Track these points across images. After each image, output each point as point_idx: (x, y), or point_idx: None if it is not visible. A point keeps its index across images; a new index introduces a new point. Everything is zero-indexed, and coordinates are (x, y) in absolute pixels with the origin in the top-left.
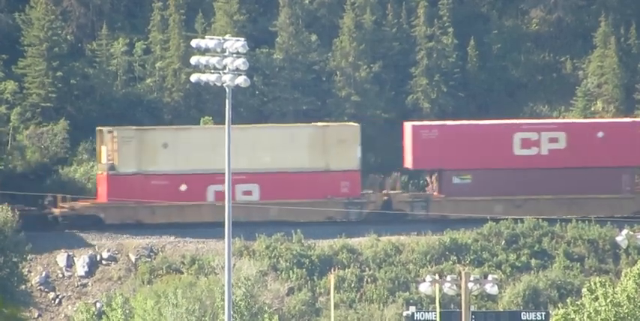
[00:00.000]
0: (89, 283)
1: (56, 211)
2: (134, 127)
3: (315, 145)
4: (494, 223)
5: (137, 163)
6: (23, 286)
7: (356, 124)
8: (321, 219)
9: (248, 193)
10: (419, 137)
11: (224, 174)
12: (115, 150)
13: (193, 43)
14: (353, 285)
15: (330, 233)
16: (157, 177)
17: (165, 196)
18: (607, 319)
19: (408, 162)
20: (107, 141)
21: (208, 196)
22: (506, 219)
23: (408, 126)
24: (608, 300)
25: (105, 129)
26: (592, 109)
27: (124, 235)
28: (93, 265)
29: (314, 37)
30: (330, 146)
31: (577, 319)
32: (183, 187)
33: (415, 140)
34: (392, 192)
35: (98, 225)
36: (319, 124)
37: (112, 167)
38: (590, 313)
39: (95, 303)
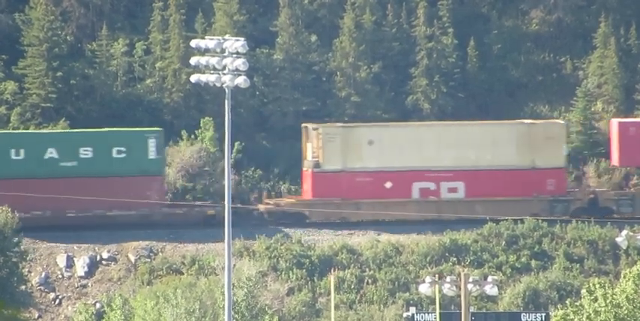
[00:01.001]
0: (89, 284)
1: (262, 207)
2: (339, 124)
3: (521, 143)
4: (494, 224)
5: (342, 160)
6: (23, 287)
7: (562, 122)
8: (526, 215)
9: (453, 190)
10: (625, 134)
11: (429, 171)
12: (319, 147)
13: (193, 43)
14: (353, 286)
15: (329, 233)
16: (362, 174)
17: (370, 193)
18: (607, 320)
19: (615, 159)
20: (312, 138)
21: (413, 193)
22: (506, 220)
23: (614, 123)
24: (607, 301)
25: (310, 126)
26: (592, 109)
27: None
28: (93, 265)
29: (314, 38)
30: (536, 144)
31: (576, 320)
32: (388, 185)
33: (621, 137)
34: (598, 190)
35: (300, 222)
36: (526, 121)
37: (316, 164)
38: (590, 314)
39: (95, 303)
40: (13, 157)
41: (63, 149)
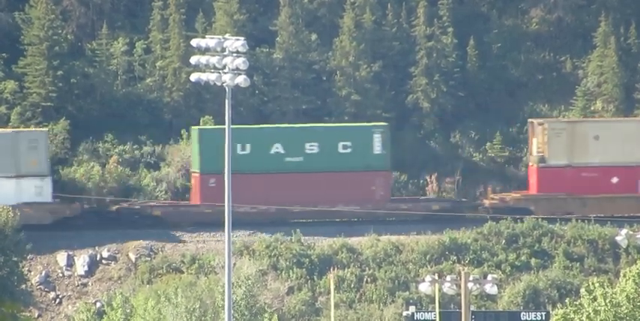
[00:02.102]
0: (89, 283)
1: (486, 202)
2: (565, 120)
3: None
4: (494, 223)
5: (567, 155)
6: (23, 286)
7: None
8: None
9: None
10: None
11: None
12: (545, 142)
13: (193, 42)
14: (353, 285)
15: (329, 233)
16: (588, 169)
17: (595, 188)
18: (606, 320)
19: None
20: (538, 133)
21: (639, 188)
22: (506, 218)
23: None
24: (607, 300)
25: (536, 121)
26: (592, 108)
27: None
28: (93, 264)
29: (314, 37)
30: None
31: (576, 319)
32: (614, 180)
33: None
34: None
35: (525, 216)
36: None
37: (542, 159)
38: (590, 313)
39: (95, 302)
40: (239, 151)
41: (289, 144)
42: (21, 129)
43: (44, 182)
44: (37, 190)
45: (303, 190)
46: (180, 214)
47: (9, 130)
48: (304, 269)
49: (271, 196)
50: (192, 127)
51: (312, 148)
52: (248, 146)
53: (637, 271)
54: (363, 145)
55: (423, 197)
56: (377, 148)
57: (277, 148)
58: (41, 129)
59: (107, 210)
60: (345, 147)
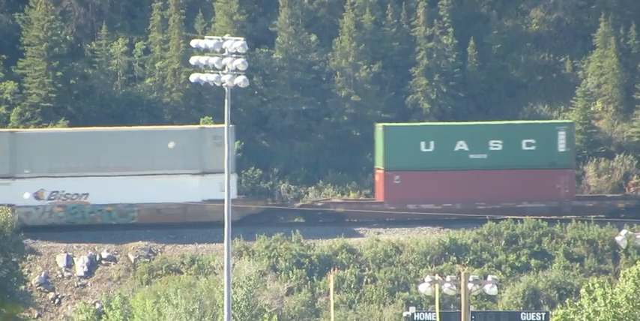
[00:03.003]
0: (88, 284)
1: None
2: None
3: None
4: (494, 224)
5: None
6: (23, 287)
7: None
8: None
9: None
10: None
11: None
12: None
13: (193, 43)
14: (352, 285)
15: (329, 233)
16: None
17: None
18: (606, 320)
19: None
20: None
21: None
22: (506, 219)
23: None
24: (607, 301)
25: None
26: (591, 109)
27: (124, 236)
28: (92, 265)
29: (314, 37)
30: None
31: (576, 319)
32: None
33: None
34: None
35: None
36: None
37: None
38: (590, 313)
39: (94, 303)
40: (423, 149)
41: (473, 141)
42: (206, 125)
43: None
44: (222, 186)
45: (487, 187)
46: (362, 212)
47: (195, 126)
48: (304, 270)
49: (455, 193)
50: (377, 124)
51: (496, 145)
52: (432, 143)
53: (636, 271)
54: (548, 142)
55: (609, 195)
56: (561, 145)
57: (461, 145)
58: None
59: (290, 207)
60: (528, 144)
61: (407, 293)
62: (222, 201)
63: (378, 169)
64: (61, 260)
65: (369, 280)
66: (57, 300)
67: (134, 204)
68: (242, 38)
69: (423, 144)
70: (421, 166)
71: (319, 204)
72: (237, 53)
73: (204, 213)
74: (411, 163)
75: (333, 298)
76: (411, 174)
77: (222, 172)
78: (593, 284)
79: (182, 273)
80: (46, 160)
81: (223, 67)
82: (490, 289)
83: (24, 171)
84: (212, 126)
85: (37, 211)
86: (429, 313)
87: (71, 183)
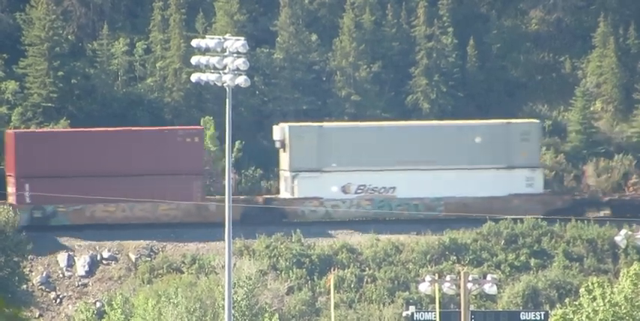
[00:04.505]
0: (90, 283)
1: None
2: None
3: None
4: (494, 223)
5: None
6: (24, 286)
7: None
8: None
9: None
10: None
11: None
12: None
13: (194, 42)
14: (353, 285)
15: (329, 233)
16: None
17: None
18: (605, 320)
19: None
20: None
21: None
22: (506, 219)
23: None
24: (605, 300)
25: None
26: (591, 109)
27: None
28: (93, 264)
29: (314, 37)
30: None
31: (576, 319)
32: None
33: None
34: None
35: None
36: None
37: None
38: (589, 313)
39: (95, 303)
40: None
41: None
42: (513, 120)
43: (535, 173)
44: (528, 181)
45: None
46: None
47: (502, 121)
48: (304, 269)
49: None
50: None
51: None
52: None
53: (634, 271)
54: None
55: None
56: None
57: None
58: (533, 120)
59: (599, 201)
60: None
61: (407, 293)
62: (528, 195)
63: None
64: (62, 260)
65: (369, 279)
66: (58, 299)
67: (441, 198)
68: (243, 38)
69: None
70: None
71: (626, 198)
72: (238, 53)
73: (510, 207)
74: None
75: (334, 298)
76: None
77: (528, 167)
78: (592, 284)
79: (183, 272)
80: (353, 154)
81: (224, 67)
82: (490, 288)
83: (331, 165)
84: (519, 121)
85: (344, 204)
86: (429, 313)
87: (378, 177)
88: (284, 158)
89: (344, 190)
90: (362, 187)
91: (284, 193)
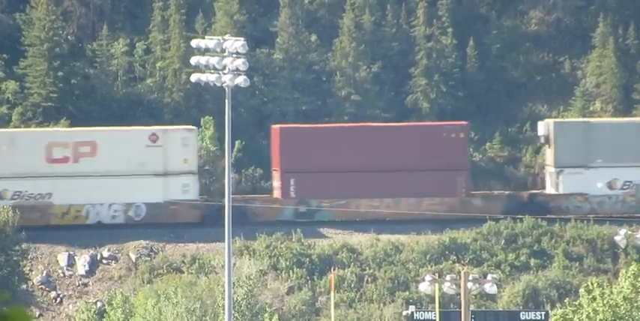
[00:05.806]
0: (90, 283)
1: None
2: None
3: None
4: (494, 223)
5: None
6: (24, 285)
7: None
8: None
9: None
10: None
11: None
12: None
13: (193, 43)
14: (353, 284)
15: (329, 233)
16: None
17: None
18: (605, 320)
19: None
20: None
21: None
22: (505, 218)
23: None
24: (605, 300)
25: None
26: (590, 109)
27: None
28: (94, 264)
29: (314, 38)
30: None
31: (575, 319)
32: None
33: None
34: None
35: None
36: None
37: None
38: (589, 313)
39: (96, 302)
40: None
41: None
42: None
43: None
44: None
45: None
46: None
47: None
48: (304, 269)
49: None
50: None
51: None
52: None
53: (632, 272)
54: None
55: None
56: None
57: None
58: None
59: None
60: None
61: (407, 292)
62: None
63: None
64: (62, 259)
65: (369, 279)
66: (58, 299)
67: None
68: (242, 38)
69: None
70: None
71: None
72: (237, 53)
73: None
74: None
75: (334, 298)
76: None
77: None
78: (592, 283)
79: (183, 272)
80: (619, 150)
81: (224, 67)
82: (490, 288)
83: (597, 160)
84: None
85: (609, 200)
86: (429, 312)
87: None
88: (549, 154)
89: (609, 185)
90: (628, 183)
91: (549, 189)
